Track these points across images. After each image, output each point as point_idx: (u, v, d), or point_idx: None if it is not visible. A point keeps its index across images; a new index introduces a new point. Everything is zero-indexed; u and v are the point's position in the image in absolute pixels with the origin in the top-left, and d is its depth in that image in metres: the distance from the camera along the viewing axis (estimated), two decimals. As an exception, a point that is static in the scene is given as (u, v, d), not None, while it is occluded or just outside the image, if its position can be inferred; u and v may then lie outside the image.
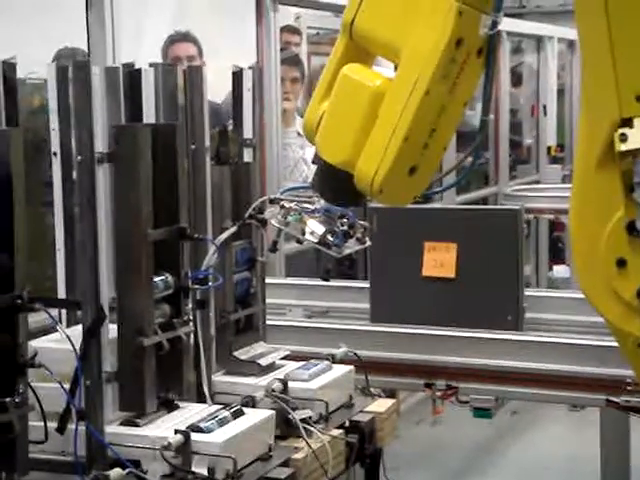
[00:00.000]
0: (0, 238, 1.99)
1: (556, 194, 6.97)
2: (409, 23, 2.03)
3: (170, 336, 2.37)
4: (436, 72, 2.01)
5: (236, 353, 2.70)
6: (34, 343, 2.31)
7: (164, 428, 2.28)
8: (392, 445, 2.78)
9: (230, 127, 2.77)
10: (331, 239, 2.34)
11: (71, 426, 2.23)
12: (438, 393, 3.29)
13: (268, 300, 2.89)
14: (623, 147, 1.81)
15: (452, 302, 3.59)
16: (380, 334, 3.43)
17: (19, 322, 2.02)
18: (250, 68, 2.80)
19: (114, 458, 2.21)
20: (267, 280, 2.89)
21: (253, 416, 2.35)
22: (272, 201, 2.46)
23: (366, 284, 3.83)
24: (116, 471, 2.14)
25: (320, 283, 3.95)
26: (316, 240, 2.35)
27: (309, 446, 2.39)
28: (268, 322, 2.89)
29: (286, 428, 2.45)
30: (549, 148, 8.51)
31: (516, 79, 8.66)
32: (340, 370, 2.72)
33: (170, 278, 2.39)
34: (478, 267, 3.61)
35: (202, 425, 2.23)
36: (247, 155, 2.78)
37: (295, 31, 5.94)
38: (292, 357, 2.80)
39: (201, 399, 2.54)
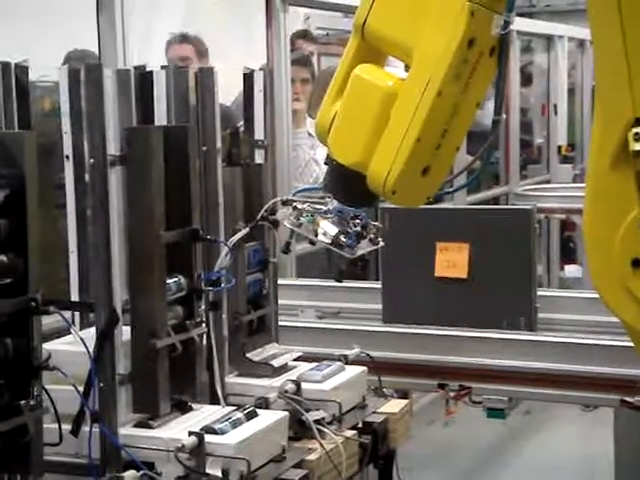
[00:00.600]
0: (14, 241, 1.99)
1: (567, 194, 6.96)
2: (421, 23, 2.03)
3: (183, 338, 2.37)
4: (448, 72, 2.01)
5: (249, 354, 2.70)
6: (48, 346, 2.31)
7: (178, 430, 2.28)
8: (405, 446, 2.78)
9: (241, 128, 2.77)
10: (344, 240, 2.33)
11: (85, 428, 2.23)
12: (451, 394, 3.28)
13: (280, 301, 2.89)
14: (637, 146, 1.80)
15: (465, 302, 3.59)
16: (392, 335, 3.43)
17: (33, 325, 2.02)
18: (261, 69, 2.81)
19: (128, 460, 2.22)
20: (279, 281, 2.89)
21: (266, 417, 2.34)
22: (284, 202, 2.45)
23: (378, 285, 3.83)
24: (130, 473, 2.15)
25: (332, 284, 3.94)
26: (329, 241, 2.34)
27: (323, 447, 2.38)
28: (280, 323, 2.89)
29: (299, 429, 2.45)
30: (560, 147, 8.50)
31: (526, 78, 8.64)
32: (353, 371, 2.72)
33: (183, 280, 2.39)
34: (490, 267, 3.60)
35: (216, 427, 2.23)
36: (259, 156, 2.78)
37: (307, 37, 5.93)
38: (305, 358, 2.80)
39: (214, 401, 2.53)
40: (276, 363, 2.69)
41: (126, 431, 2.27)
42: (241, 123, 2.83)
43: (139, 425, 2.30)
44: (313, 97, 5.32)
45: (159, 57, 5.08)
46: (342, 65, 2.19)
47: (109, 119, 2.25)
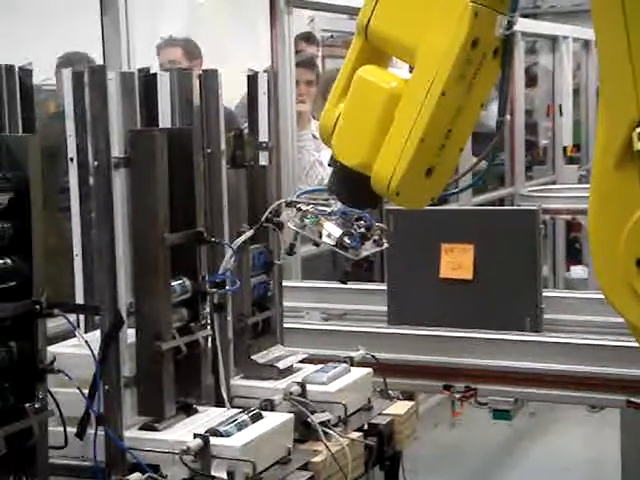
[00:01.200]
0: (18, 244, 1.99)
1: (572, 194, 6.96)
2: (425, 24, 2.02)
3: (188, 340, 2.37)
4: (452, 73, 2.00)
5: (254, 357, 2.70)
6: (53, 349, 2.31)
7: (183, 432, 2.28)
8: (411, 447, 2.77)
9: (246, 130, 2.77)
10: (348, 241, 2.33)
11: (90, 431, 2.23)
12: (457, 395, 3.28)
13: (285, 303, 2.89)
14: (642, 146, 1.80)
15: (470, 304, 3.58)
16: (398, 336, 3.42)
17: (37, 328, 2.02)
18: (265, 71, 2.80)
19: (133, 463, 2.21)
20: (284, 283, 2.89)
21: (272, 420, 2.34)
22: (289, 204, 2.45)
23: (383, 286, 3.83)
24: (135, 476, 2.14)
25: (337, 286, 3.94)
26: (333, 243, 2.34)
27: (328, 449, 2.38)
28: (285, 325, 2.89)
29: (305, 431, 2.45)
30: (565, 148, 8.49)
31: (531, 79, 8.63)
32: (358, 373, 2.72)
33: (187, 282, 2.39)
34: (496, 268, 3.60)
35: (221, 429, 2.23)
36: (263, 158, 2.78)
37: (310, 39, 5.92)
38: (310, 360, 2.80)
39: (219, 403, 2.53)
40: (281, 365, 2.69)
41: (131, 434, 2.27)
42: (245, 125, 2.83)
43: (144, 428, 2.31)
44: (318, 99, 5.32)
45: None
46: (345, 66, 2.18)
47: (113, 122, 2.25)
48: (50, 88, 4.37)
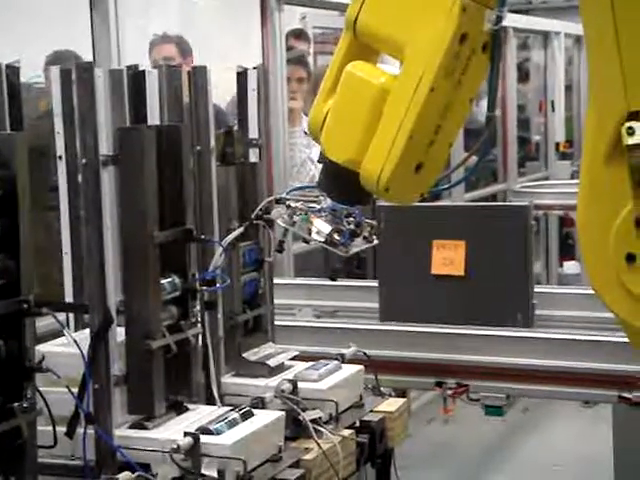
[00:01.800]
0: (5, 243, 1.98)
1: (565, 190, 6.95)
2: (413, 19, 2.01)
3: (178, 338, 2.36)
4: (441, 68, 1.99)
5: (245, 354, 2.70)
6: (42, 347, 2.30)
7: (173, 431, 2.27)
8: (404, 444, 2.77)
9: (235, 127, 2.76)
10: (338, 238, 2.32)
11: (80, 430, 2.22)
12: (449, 392, 3.27)
13: (277, 300, 2.88)
14: (630, 141, 1.79)
15: (462, 300, 3.58)
16: (389, 333, 3.42)
17: (25, 327, 2.01)
18: (254, 68, 2.79)
19: (123, 461, 2.21)
20: (275, 280, 2.89)
21: (263, 417, 2.34)
22: (278, 201, 2.44)
23: (375, 283, 3.82)
24: (125, 475, 2.14)
25: (329, 283, 3.94)
26: (322, 239, 2.33)
27: (319, 447, 2.38)
28: (277, 322, 2.88)
29: (296, 429, 2.44)
30: (557, 144, 8.49)
31: (523, 75, 8.63)
32: (350, 370, 2.71)
33: (177, 280, 2.38)
34: (487, 264, 3.59)
35: (211, 427, 2.22)
36: (253, 155, 2.77)
37: (301, 36, 5.91)
38: (301, 357, 2.79)
39: (210, 401, 2.53)
40: (272, 363, 2.68)
41: (121, 432, 2.26)
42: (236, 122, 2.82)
43: (134, 426, 2.30)
44: (310, 96, 5.31)
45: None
46: (334, 62, 2.17)
47: (101, 119, 2.24)
48: (40, 86, 4.35)
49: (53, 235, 2.71)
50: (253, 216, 2.64)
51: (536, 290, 3.66)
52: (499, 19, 2.01)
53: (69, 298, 2.53)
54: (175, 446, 2.14)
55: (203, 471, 2.15)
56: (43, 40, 4.51)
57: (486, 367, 3.23)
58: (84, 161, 2.24)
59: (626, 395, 3.03)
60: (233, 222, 2.65)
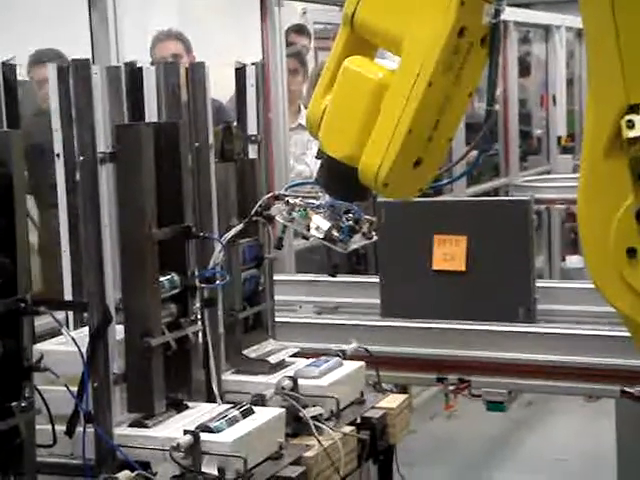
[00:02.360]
0: (2, 241, 1.97)
1: (567, 184, 6.93)
2: (411, 14, 2.00)
3: (177, 336, 2.35)
4: (439, 63, 1.98)
5: (245, 351, 2.69)
6: (41, 346, 2.29)
7: (173, 429, 2.26)
8: (406, 440, 2.76)
9: (234, 123, 2.75)
10: (337, 234, 2.31)
11: (80, 429, 2.22)
12: (450, 387, 3.26)
13: (278, 297, 2.87)
14: (630, 134, 1.78)
15: (463, 295, 3.57)
16: (391, 329, 3.41)
17: (23, 325, 2.00)
18: (253, 64, 2.78)
19: (123, 460, 2.20)
20: (276, 277, 2.88)
21: (263, 415, 2.33)
22: (277, 197, 2.43)
23: (376, 279, 3.81)
24: (125, 473, 2.13)
25: (329, 279, 3.93)
26: (321, 236, 2.32)
27: (320, 444, 2.36)
28: (278, 319, 2.87)
29: (297, 426, 2.43)
30: (559, 138, 8.48)
31: (524, 69, 8.61)
32: (351, 366, 2.70)
33: (176, 277, 2.37)
34: (489, 259, 3.58)
35: (211, 425, 2.21)
36: (252, 151, 2.76)
37: (301, 31, 5.89)
38: (302, 354, 2.78)
39: (210, 398, 2.52)
40: (273, 359, 2.67)
41: (121, 431, 2.26)
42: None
43: (134, 424, 2.29)
44: (309, 92, 5.30)
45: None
46: (332, 58, 2.16)
47: (99, 116, 2.23)
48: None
49: (55, 233, 2.70)
50: (253, 213, 2.62)
51: (538, 285, 3.65)
52: (497, 12, 2.00)
53: (68, 296, 2.52)
54: (175, 444, 2.13)
55: (203, 469, 2.14)
56: (41, 38, 4.50)
57: (488, 362, 3.22)
58: (82, 158, 2.23)
59: (629, 390, 3.02)
60: (232, 219, 2.64)
